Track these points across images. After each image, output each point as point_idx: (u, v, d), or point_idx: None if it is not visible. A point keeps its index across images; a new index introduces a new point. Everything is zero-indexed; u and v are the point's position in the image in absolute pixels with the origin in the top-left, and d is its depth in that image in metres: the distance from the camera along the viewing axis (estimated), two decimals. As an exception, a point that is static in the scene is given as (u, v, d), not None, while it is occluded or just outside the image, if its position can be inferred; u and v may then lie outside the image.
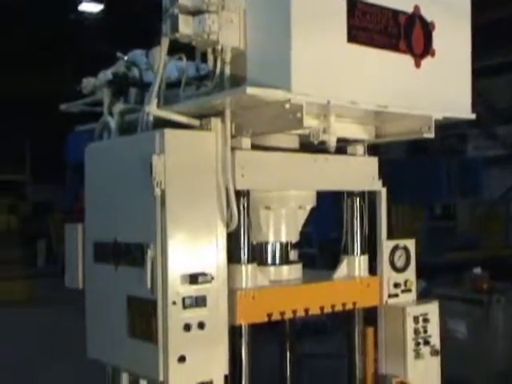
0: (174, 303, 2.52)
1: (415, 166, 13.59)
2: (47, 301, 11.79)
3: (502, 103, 15.50)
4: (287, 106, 2.43)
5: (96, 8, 17.40)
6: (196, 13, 2.57)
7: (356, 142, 3.18)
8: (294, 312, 2.90)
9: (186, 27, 2.55)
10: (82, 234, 3.20)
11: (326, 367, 6.49)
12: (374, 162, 3.25)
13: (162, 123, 2.74)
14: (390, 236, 3.33)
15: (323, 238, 10.98)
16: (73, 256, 3.28)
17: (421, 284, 5.88)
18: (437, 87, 2.84)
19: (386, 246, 3.28)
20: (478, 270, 6.81)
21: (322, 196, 3.17)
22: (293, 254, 3.26)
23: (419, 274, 3.43)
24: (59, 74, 18.28)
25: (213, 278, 2.59)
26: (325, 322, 8.14)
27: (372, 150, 3.33)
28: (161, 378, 2.53)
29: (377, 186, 3.26)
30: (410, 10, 2.74)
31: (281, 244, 3.11)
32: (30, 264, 16.30)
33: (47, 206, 19.83)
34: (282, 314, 2.86)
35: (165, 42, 2.68)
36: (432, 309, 3.29)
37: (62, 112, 3.68)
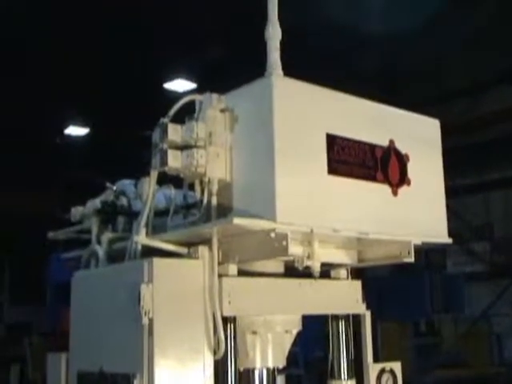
0: None
1: (400, 282, 13.63)
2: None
3: (478, 220, 15.87)
4: (272, 234, 2.53)
5: (82, 132, 17.89)
6: (184, 147, 2.72)
7: (339, 266, 3.26)
8: None
9: (175, 161, 2.69)
10: (66, 364, 3.14)
11: None
12: (357, 285, 3.31)
13: (149, 250, 2.81)
14: (376, 357, 3.34)
15: (309, 358, 10.79)
16: (56, 388, 3.20)
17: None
18: (414, 214, 2.98)
19: (373, 369, 3.28)
20: (465, 391, 6.71)
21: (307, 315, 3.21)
22: (280, 380, 3.24)
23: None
24: (44, 195, 18.46)
25: (200, 409, 2.56)
26: None
27: (357, 269, 3.40)
28: None
29: (361, 309, 3.30)
30: (385, 143, 2.92)
31: (268, 370, 3.09)
32: (1, 391, 15.53)
33: (25, 327, 19.20)
34: None
35: (154, 175, 2.81)
36: None
37: (44, 234, 3.73)
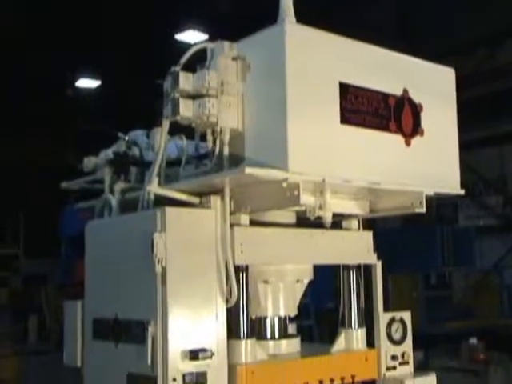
0: (174, 380, 2.53)
1: (411, 234, 13.65)
2: (38, 380, 11.36)
3: (493, 174, 15.75)
4: (284, 184, 2.53)
5: (93, 84, 17.80)
6: (196, 96, 2.70)
7: (351, 216, 3.27)
8: (294, 386, 2.90)
9: (187, 110, 2.67)
10: (82, 311, 3.21)
11: None
12: (368, 235, 3.33)
13: (161, 201, 2.83)
14: (386, 308, 3.38)
15: (320, 309, 10.91)
16: (71, 333, 3.27)
17: (418, 355, 5.87)
18: (427, 164, 2.97)
19: (383, 318, 3.32)
20: (474, 341, 6.80)
21: (318, 266, 3.23)
22: (291, 328, 3.29)
23: (416, 344, 3.45)
24: (56, 148, 18.53)
25: (213, 354, 2.60)
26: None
27: (368, 220, 3.41)
28: None
29: (372, 259, 3.32)
30: (398, 92, 2.89)
31: (279, 318, 3.14)
32: (20, 340, 15.93)
33: (40, 279, 19.55)
34: (282, 388, 2.86)
35: (166, 124, 2.80)
36: (430, 381, 3.29)
37: (58, 186, 3.75)
